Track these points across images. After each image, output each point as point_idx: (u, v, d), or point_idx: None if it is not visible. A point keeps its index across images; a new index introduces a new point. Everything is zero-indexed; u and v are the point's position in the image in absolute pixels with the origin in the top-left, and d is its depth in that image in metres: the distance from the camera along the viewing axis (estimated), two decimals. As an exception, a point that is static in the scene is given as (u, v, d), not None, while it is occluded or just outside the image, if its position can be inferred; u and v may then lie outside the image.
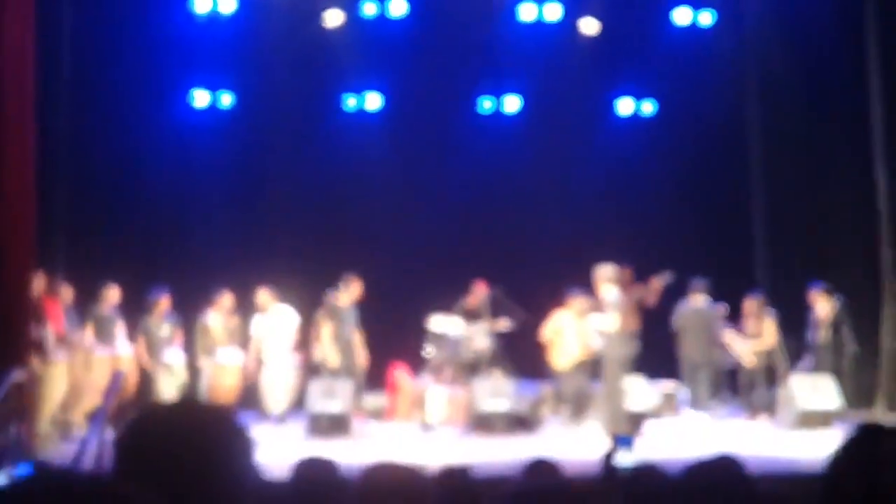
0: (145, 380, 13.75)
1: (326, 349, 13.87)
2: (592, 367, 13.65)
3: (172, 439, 2.07)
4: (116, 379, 12.33)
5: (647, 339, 15.58)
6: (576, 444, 12.04)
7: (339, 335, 13.81)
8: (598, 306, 13.67)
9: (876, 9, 14.74)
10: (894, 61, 14.91)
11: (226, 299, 14.38)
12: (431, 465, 10.93)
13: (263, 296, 14.19)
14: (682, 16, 16.96)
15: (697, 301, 15.11)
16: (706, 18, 16.99)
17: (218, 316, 14.35)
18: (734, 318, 15.01)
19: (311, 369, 14.16)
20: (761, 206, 16.97)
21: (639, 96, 18.23)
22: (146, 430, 2.12)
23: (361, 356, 14.22)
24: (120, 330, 13.64)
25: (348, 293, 13.96)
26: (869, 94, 14.84)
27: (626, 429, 12.29)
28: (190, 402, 2.13)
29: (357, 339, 14.18)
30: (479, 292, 14.98)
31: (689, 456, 4.01)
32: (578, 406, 13.78)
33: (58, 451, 10.97)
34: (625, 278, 15.22)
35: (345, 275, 14.09)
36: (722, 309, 15.15)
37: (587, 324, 13.59)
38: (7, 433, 9.40)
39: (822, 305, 14.29)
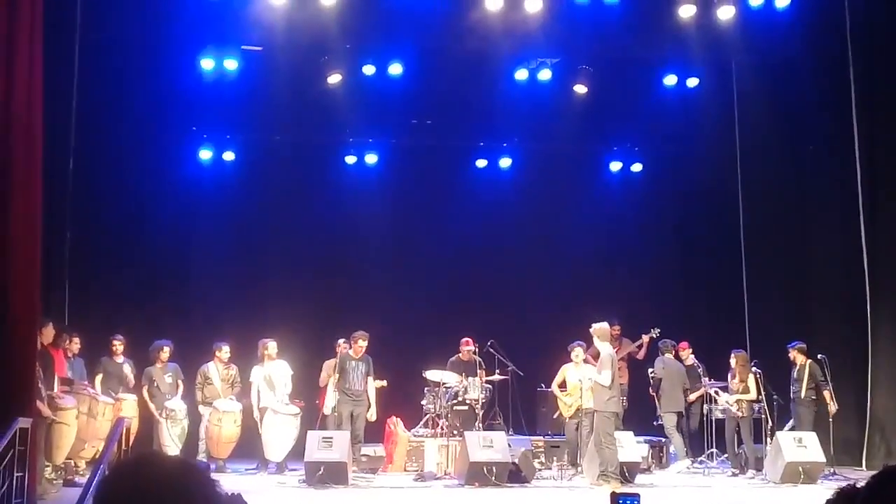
0: (148, 427, 13.95)
1: (328, 399, 14.05)
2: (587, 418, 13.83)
3: (141, 495, 2.13)
4: (119, 426, 12.52)
5: (635, 395, 15.95)
6: (570, 496, 12.22)
7: (343, 387, 13.99)
8: (592, 361, 13.99)
9: (858, 69, 15.10)
10: (877, 120, 15.27)
11: (224, 350, 14.63)
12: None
13: (266, 347, 14.40)
14: (670, 80, 17.32)
15: (670, 358, 15.50)
16: (693, 82, 17.35)
17: (217, 366, 14.59)
18: (721, 373, 15.27)
19: (314, 419, 14.32)
20: (748, 262, 17.21)
21: (628, 154, 18.63)
22: (118, 486, 2.19)
23: (370, 410, 14.40)
24: (127, 379, 13.90)
25: (355, 347, 14.16)
26: (853, 153, 15.15)
27: (617, 480, 12.54)
28: (159, 456, 2.20)
29: (366, 392, 14.36)
30: (468, 349, 15.21)
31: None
32: (574, 455, 13.99)
33: (61, 497, 11.06)
34: (614, 334, 15.60)
35: (347, 327, 14.28)
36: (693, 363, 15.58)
37: (585, 373, 13.85)
38: (11, 479, 9.48)
39: (801, 363, 14.59)
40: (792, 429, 14.37)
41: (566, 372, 14.39)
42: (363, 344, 14.20)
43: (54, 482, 11.67)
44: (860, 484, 3.54)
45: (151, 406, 14.02)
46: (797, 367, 14.64)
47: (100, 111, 14.94)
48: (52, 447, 11.34)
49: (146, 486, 2.16)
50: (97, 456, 12.16)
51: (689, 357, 15.72)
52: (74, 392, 12.21)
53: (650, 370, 15.69)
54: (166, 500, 2.14)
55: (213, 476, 2.31)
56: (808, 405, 14.44)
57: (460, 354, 15.33)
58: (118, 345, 13.97)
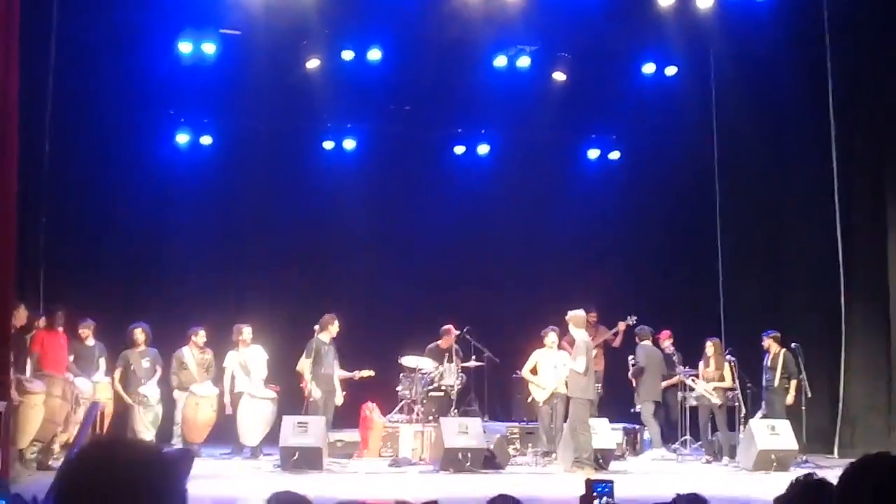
0: (122, 412, 13.90)
1: (308, 382, 13.99)
2: (561, 405, 13.86)
3: (106, 480, 2.11)
4: (93, 410, 12.46)
5: (610, 382, 16.03)
6: (544, 483, 12.27)
7: (318, 371, 13.93)
8: (567, 347, 14.04)
9: (836, 59, 15.16)
10: (854, 111, 15.37)
11: (200, 335, 14.60)
12: (401, 500, 11.18)
13: (240, 332, 14.38)
14: (648, 68, 17.34)
15: (650, 346, 15.60)
16: (672, 70, 17.38)
17: (192, 351, 14.56)
18: (695, 361, 15.35)
19: (292, 404, 14.27)
20: (724, 252, 17.26)
21: (606, 143, 18.68)
22: (81, 471, 2.17)
23: (338, 394, 14.34)
24: (100, 362, 13.83)
25: (327, 331, 14.12)
26: (830, 143, 15.23)
27: (591, 466, 12.61)
28: (124, 442, 2.15)
29: (336, 377, 14.32)
30: (449, 335, 15.24)
31: (654, 496, 4.24)
32: (550, 440, 14.04)
33: (35, 481, 11.00)
34: (591, 321, 15.65)
35: (322, 313, 14.25)
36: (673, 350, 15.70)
37: (560, 359, 13.89)
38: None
39: (775, 351, 14.70)
40: (763, 417, 14.48)
41: (538, 357, 14.40)
42: (337, 328, 14.17)
43: (29, 463, 11.63)
44: (821, 474, 3.62)
45: (118, 388, 13.93)
46: (770, 356, 14.75)
47: (76, 93, 14.81)
48: (17, 431, 11.25)
49: (111, 471, 2.14)
50: (70, 440, 12.14)
51: (669, 346, 15.80)
52: (47, 376, 12.14)
53: (630, 358, 15.75)
54: (129, 487, 2.12)
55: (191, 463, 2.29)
56: (781, 394, 14.55)
57: (440, 342, 15.34)
58: (86, 328, 13.87)
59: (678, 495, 3.99)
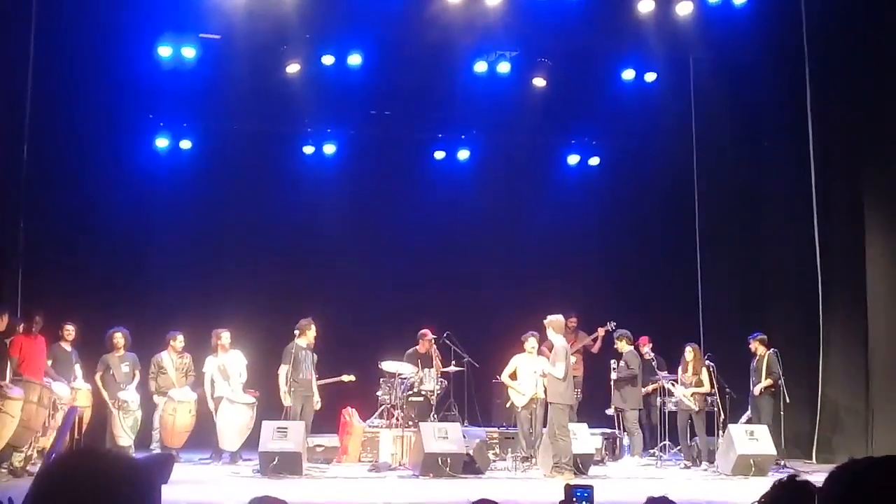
0: (101, 417, 13.83)
1: (281, 390, 13.96)
2: (541, 409, 13.87)
3: (81, 491, 2.12)
4: (70, 416, 12.40)
5: (589, 387, 16.04)
6: (524, 488, 12.28)
7: (296, 376, 13.90)
8: (546, 353, 14.04)
9: (813, 66, 15.23)
10: (831, 117, 15.44)
11: (178, 339, 14.56)
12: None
13: (219, 337, 14.34)
14: (628, 74, 17.39)
15: (628, 351, 15.59)
16: (651, 76, 17.43)
17: (171, 355, 14.52)
18: (674, 366, 15.38)
19: (270, 409, 14.24)
20: (703, 257, 17.30)
21: (586, 148, 18.73)
22: (56, 481, 2.18)
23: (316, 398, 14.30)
24: (77, 367, 13.77)
25: (304, 336, 14.10)
26: (808, 149, 15.30)
27: (571, 471, 12.63)
28: (99, 452, 2.15)
29: (314, 382, 14.29)
30: (426, 339, 15.25)
31: (633, 501, 4.26)
32: (529, 445, 14.05)
33: (11, 487, 10.93)
34: (571, 326, 15.67)
35: (301, 319, 14.22)
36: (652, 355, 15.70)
37: (539, 364, 13.90)
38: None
39: (761, 354, 14.74)
40: (748, 421, 14.52)
41: (518, 362, 14.41)
42: (314, 332, 14.15)
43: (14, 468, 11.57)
44: (805, 477, 3.64)
45: (105, 394, 13.91)
46: (756, 358, 14.78)
47: (55, 97, 14.74)
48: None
49: (86, 481, 2.15)
50: (48, 446, 12.06)
51: (649, 352, 15.81)
52: (25, 381, 12.04)
53: (613, 362, 15.63)
54: (103, 498, 2.14)
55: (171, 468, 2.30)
56: (767, 398, 14.57)
57: (418, 347, 15.35)
58: (68, 332, 13.82)
59: (649, 499, 4.00)
